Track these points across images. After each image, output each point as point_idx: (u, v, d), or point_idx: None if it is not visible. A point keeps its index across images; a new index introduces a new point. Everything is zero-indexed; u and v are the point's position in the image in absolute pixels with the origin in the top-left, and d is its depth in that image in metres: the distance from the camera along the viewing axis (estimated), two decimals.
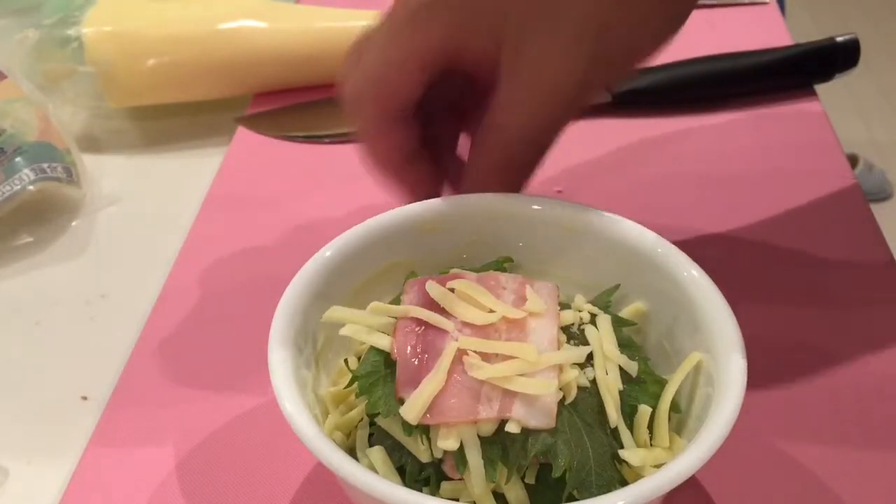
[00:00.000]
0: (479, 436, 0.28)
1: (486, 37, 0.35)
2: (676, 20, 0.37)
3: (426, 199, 0.37)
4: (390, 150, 0.38)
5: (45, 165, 0.50)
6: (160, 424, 0.39)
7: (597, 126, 0.58)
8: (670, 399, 0.31)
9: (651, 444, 0.31)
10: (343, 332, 0.32)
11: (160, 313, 0.44)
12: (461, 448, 0.28)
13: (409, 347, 0.30)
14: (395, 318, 0.32)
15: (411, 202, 0.37)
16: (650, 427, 0.31)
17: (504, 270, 0.35)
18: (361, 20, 0.60)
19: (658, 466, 0.29)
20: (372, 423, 0.31)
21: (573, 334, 0.32)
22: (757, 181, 0.52)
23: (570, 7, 0.34)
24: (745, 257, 0.47)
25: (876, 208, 0.50)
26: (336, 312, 0.33)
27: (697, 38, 0.65)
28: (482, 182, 0.37)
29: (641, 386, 0.32)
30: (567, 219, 0.36)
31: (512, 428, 0.28)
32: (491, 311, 0.31)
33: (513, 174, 0.38)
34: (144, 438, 0.38)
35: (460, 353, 0.30)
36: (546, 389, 0.29)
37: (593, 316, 0.33)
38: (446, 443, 0.28)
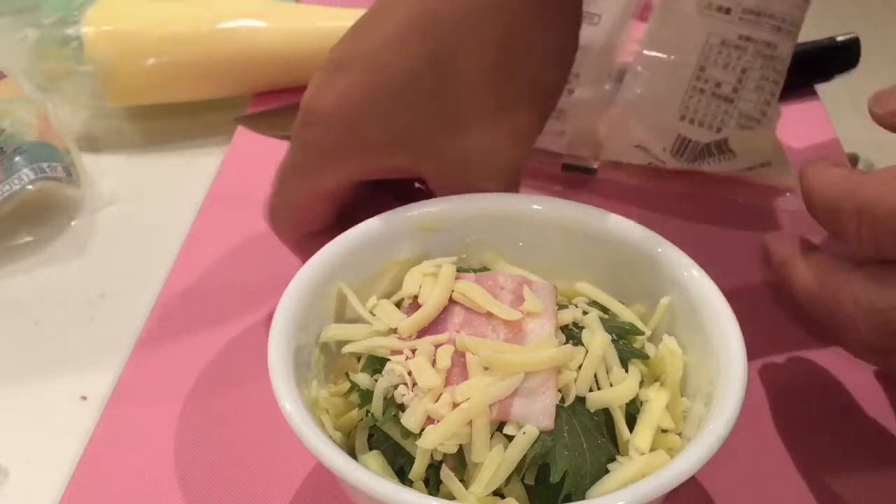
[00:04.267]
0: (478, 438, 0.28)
1: (400, 158, 0.36)
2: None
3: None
4: (309, 248, 0.36)
5: (44, 165, 0.50)
6: (160, 424, 0.38)
7: None
8: (667, 400, 0.31)
9: (649, 447, 0.30)
10: (345, 350, 0.33)
11: (160, 313, 0.44)
12: (461, 449, 0.28)
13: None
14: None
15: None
16: (648, 428, 0.31)
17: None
18: None
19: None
20: (372, 425, 0.31)
21: (572, 334, 0.32)
22: None
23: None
24: (745, 257, 0.47)
25: None
26: (332, 331, 0.33)
27: None
28: None
29: (640, 387, 0.31)
30: (567, 219, 0.36)
31: (511, 430, 0.28)
32: (489, 311, 0.31)
33: None
34: (144, 438, 0.38)
35: (458, 354, 0.30)
36: (544, 391, 0.29)
37: (591, 316, 0.33)
38: (445, 445, 0.28)
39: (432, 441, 0.28)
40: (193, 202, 0.52)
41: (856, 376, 0.40)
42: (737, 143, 0.48)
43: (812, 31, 0.64)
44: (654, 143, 0.50)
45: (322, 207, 0.37)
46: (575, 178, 0.51)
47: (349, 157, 0.36)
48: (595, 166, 0.52)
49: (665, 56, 0.48)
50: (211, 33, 0.58)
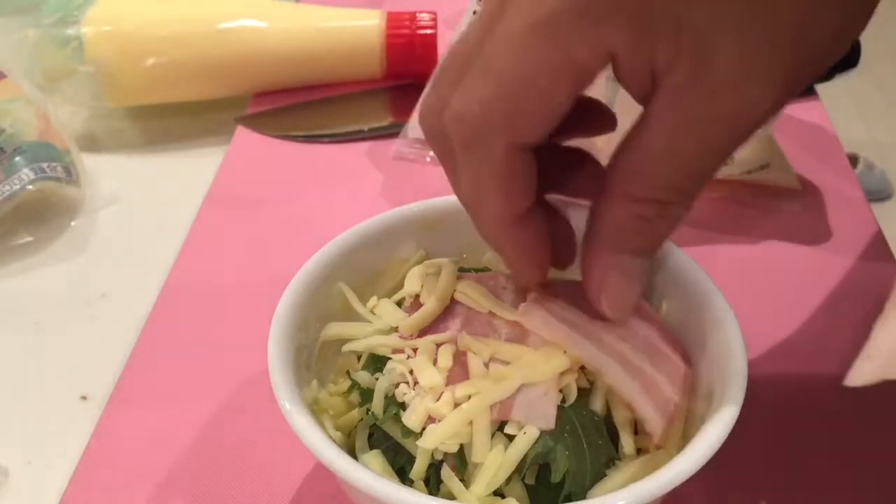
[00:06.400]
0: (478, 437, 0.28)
1: (662, 43, 0.24)
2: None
3: (541, 267, 0.31)
4: (516, 200, 0.28)
5: (44, 165, 0.50)
6: (160, 424, 0.38)
7: None
8: None
9: (648, 448, 0.30)
10: (345, 348, 0.32)
11: (160, 313, 0.44)
12: (461, 449, 0.28)
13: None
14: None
15: (525, 269, 0.31)
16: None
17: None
18: (361, 20, 0.60)
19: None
20: (372, 423, 0.31)
21: None
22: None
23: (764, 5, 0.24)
24: (745, 256, 0.47)
25: (876, 208, 0.50)
26: (333, 329, 0.33)
27: None
28: (614, 245, 0.29)
29: None
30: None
31: (511, 430, 0.28)
32: (490, 310, 0.31)
33: (656, 238, 0.29)
34: (144, 438, 0.38)
35: (459, 353, 0.30)
36: (545, 391, 0.29)
37: None
38: (446, 444, 0.28)
39: (433, 440, 0.28)
40: (193, 202, 0.52)
41: None
42: None
43: None
44: None
45: (561, 92, 0.26)
46: None
47: (618, 13, 0.24)
48: None
49: None
50: (211, 33, 0.58)
